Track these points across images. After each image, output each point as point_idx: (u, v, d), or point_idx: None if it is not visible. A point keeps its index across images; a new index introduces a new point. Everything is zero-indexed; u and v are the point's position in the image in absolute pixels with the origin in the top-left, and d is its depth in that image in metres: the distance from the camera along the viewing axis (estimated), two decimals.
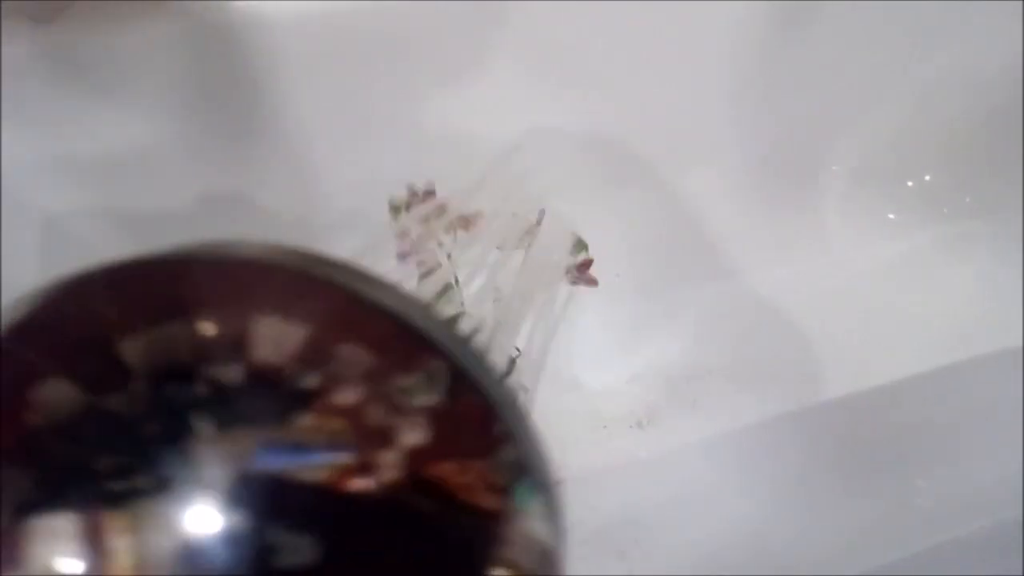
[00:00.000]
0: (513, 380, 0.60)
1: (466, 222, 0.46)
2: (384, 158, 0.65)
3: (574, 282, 0.48)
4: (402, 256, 0.47)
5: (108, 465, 0.18)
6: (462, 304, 0.54)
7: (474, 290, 0.53)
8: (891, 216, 0.81)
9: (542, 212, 0.47)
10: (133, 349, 0.19)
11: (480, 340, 0.51)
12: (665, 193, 0.77)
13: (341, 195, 0.66)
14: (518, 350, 0.60)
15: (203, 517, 0.18)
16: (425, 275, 0.48)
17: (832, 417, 0.65)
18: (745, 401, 0.66)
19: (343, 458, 0.19)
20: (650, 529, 0.58)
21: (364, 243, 0.68)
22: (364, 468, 0.19)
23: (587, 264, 0.48)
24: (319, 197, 0.66)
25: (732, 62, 0.71)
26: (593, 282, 0.48)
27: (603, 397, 0.66)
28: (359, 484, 0.19)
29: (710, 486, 0.60)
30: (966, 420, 0.64)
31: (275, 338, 0.20)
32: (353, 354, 0.20)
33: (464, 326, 0.53)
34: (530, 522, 0.20)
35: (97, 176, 0.59)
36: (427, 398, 0.20)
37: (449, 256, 0.49)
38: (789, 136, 0.78)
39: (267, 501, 0.18)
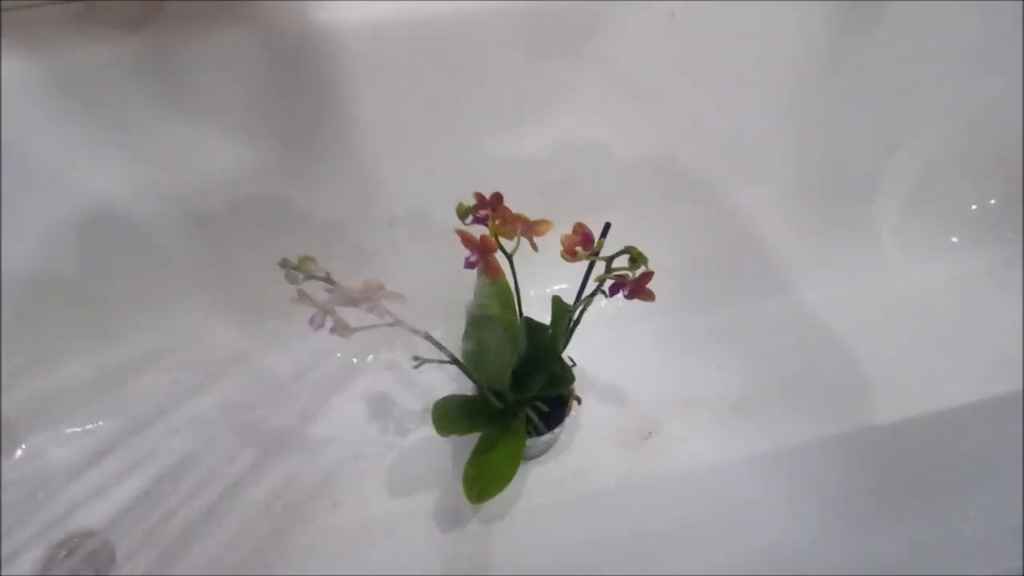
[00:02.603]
0: (569, 390, 0.61)
1: (530, 230, 0.46)
2: (445, 167, 0.67)
3: (632, 296, 0.48)
4: (469, 263, 0.47)
5: None
6: (520, 309, 0.54)
7: (533, 295, 0.53)
8: (953, 239, 0.80)
9: (607, 225, 0.47)
10: None
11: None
12: (719, 209, 0.77)
13: (401, 199, 0.68)
14: (572, 360, 0.61)
15: None
16: (487, 277, 0.48)
17: (880, 440, 0.64)
18: (794, 420, 0.65)
19: None
20: (696, 540, 0.58)
21: (426, 247, 0.70)
22: None
23: (646, 278, 0.48)
24: (379, 200, 0.67)
25: (788, 80, 0.72)
26: (651, 296, 0.48)
27: (652, 410, 0.66)
28: None
29: (757, 503, 0.60)
30: (1017, 450, 0.63)
31: None
32: None
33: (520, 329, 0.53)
34: None
35: (170, 178, 0.61)
36: None
37: (511, 263, 0.49)
38: (845, 155, 0.78)
39: None
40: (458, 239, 0.47)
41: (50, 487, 0.60)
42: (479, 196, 0.45)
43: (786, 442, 0.64)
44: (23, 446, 0.62)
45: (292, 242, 0.65)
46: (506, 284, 0.55)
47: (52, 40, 0.54)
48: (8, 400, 0.61)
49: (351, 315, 0.46)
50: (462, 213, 0.46)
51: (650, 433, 0.65)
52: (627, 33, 0.65)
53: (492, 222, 0.45)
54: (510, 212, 0.45)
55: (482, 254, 0.44)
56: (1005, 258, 0.77)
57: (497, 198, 0.45)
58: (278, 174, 0.64)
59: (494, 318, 0.57)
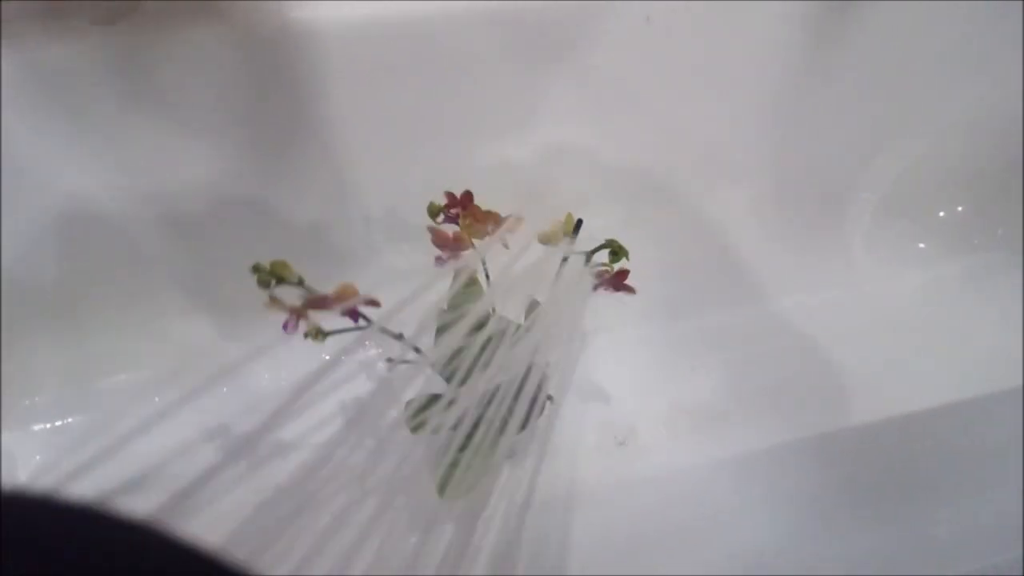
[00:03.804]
0: (543, 391, 0.60)
1: (503, 227, 0.47)
2: (422, 168, 0.67)
3: (613, 289, 0.48)
4: (439, 260, 0.47)
5: None
6: (492, 308, 0.54)
7: (507, 295, 0.53)
8: (921, 245, 0.81)
9: (579, 222, 0.48)
10: None
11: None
12: (694, 215, 0.77)
13: (379, 202, 0.68)
14: (547, 362, 0.61)
15: None
16: (459, 278, 0.49)
17: (854, 444, 0.65)
18: (768, 425, 0.66)
19: None
20: (672, 543, 0.58)
21: (403, 249, 0.69)
22: None
23: (622, 275, 0.48)
24: (356, 203, 0.67)
25: (765, 86, 0.73)
26: (631, 290, 0.48)
27: (627, 413, 0.67)
28: None
29: (732, 506, 0.61)
30: (988, 453, 0.64)
31: None
32: None
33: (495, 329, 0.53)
34: None
35: (146, 179, 0.61)
36: None
37: (484, 261, 0.49)
38: (819, 162, 0.79)
39: None
40: (434, 236, 0.47)
41: (17, 485, 0.59)
42: (449, 195, 0.46)
43: (762, 445, 0.64)
44: None
45: (269, 243, 0.64)
46: (479, 284, 0.55)
47: (21, 36, 0.53)
48: None
49: (325, 318, 0.47)
50: (433, 212, 0.46)
51: (624, 439, 0.65)
52: (607, 37, 0.65)
53: (463, 220, 0.45)
54: (480, 211, 0.45)
55: (453, 251, 0.44)
56: (972, 264, 0.79)
57: (467, 196, 0.45)
58: (255, 175, 0.64)
59: (465, 318, 0.56)
